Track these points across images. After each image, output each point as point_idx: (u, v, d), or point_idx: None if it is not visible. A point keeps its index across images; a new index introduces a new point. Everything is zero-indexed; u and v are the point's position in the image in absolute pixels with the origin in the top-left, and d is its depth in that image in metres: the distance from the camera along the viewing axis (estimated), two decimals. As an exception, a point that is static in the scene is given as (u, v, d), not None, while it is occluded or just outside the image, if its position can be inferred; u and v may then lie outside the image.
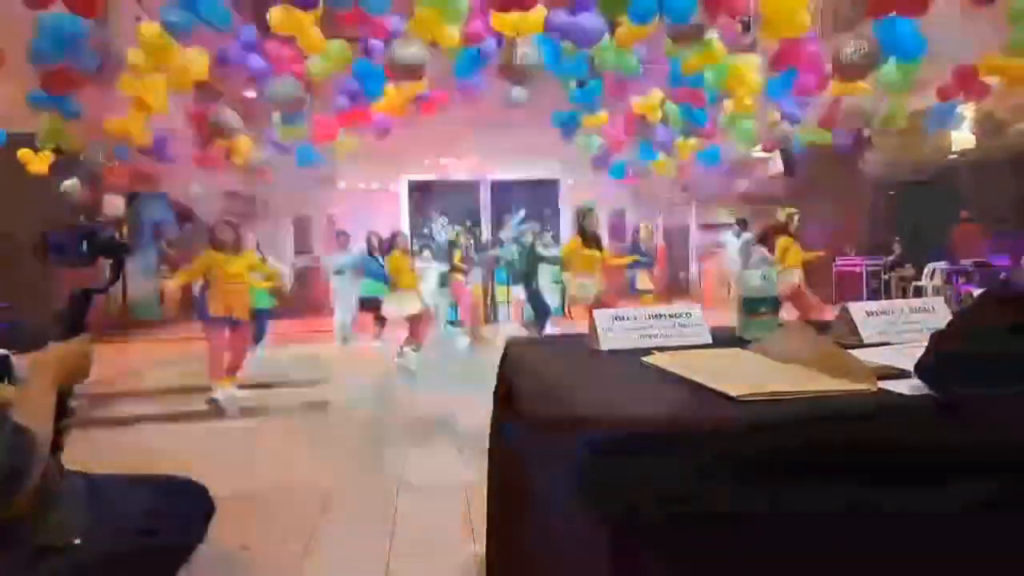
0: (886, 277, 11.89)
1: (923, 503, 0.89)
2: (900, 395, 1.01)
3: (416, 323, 6.84)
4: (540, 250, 8.18)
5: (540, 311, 7.75)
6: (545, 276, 8.48)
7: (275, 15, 5.31)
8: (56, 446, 1.20)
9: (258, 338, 7.43)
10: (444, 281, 8.91)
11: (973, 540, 0.89)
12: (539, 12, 5.06)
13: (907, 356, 1.09)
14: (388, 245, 7.31)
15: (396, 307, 6.96)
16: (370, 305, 8.14)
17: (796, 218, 6.67)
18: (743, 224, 10.70)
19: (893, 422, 0.94)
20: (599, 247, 6.40)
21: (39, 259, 1.30)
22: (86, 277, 1.40)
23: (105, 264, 1.36)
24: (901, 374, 1.09)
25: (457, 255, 8.71)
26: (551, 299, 8.81)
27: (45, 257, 1.29)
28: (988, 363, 0.92)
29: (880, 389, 1.03)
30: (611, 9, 4.93)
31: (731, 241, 11.05)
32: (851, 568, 0.89)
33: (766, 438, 0.92)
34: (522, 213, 10.85)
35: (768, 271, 1.62)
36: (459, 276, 8.62)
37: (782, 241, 6.53)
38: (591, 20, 5.08)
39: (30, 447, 1.05)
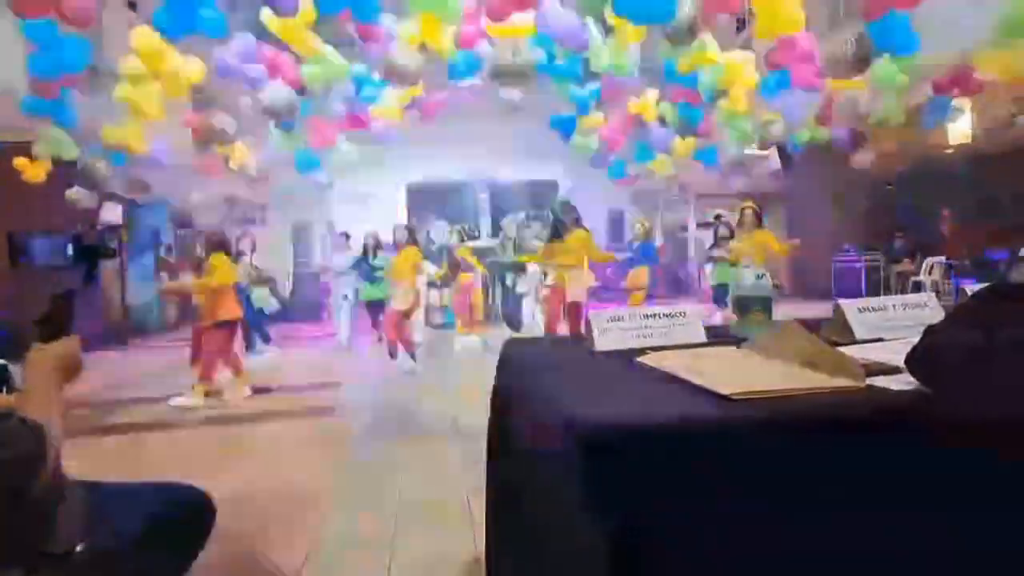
0: (884, 272, 11.91)
1: (915, 497, 0.90)
2: (889, 391, 1.02)
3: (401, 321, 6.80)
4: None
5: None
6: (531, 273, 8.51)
7: (272, 20, 5.33)
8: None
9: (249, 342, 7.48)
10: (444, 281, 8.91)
11: (963, 531, 0.90)
12: (531, 15, 5.08)
13: (898, 352, 1.10)
14: (395, 243, 7.27)
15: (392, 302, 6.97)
16: (371, 309, 8.15)
17: (746, 212, 6.26)
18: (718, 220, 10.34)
19: (882, 417, 0.95)
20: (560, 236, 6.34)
21: (11, 262, 1.31)
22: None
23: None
24: (891, 370, 1.10)
25: (463, 251, 8.59)
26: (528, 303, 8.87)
27: (16, 260, 1.30)
28: (975, 356, 0.93)
29: (869, 385, 1.05)
30: (590, 4, 4.93)
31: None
32: (846, 563, 0.90)
33: (758, 436, 0.93)
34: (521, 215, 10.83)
35: (760, 271, 1.63)
36: (466, 276, 8.56)
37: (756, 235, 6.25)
38: (577, 24, 5.10)
39: (40, 435, 1.06)
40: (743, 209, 6.15)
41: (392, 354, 6.73)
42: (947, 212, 11.09)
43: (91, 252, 1.35)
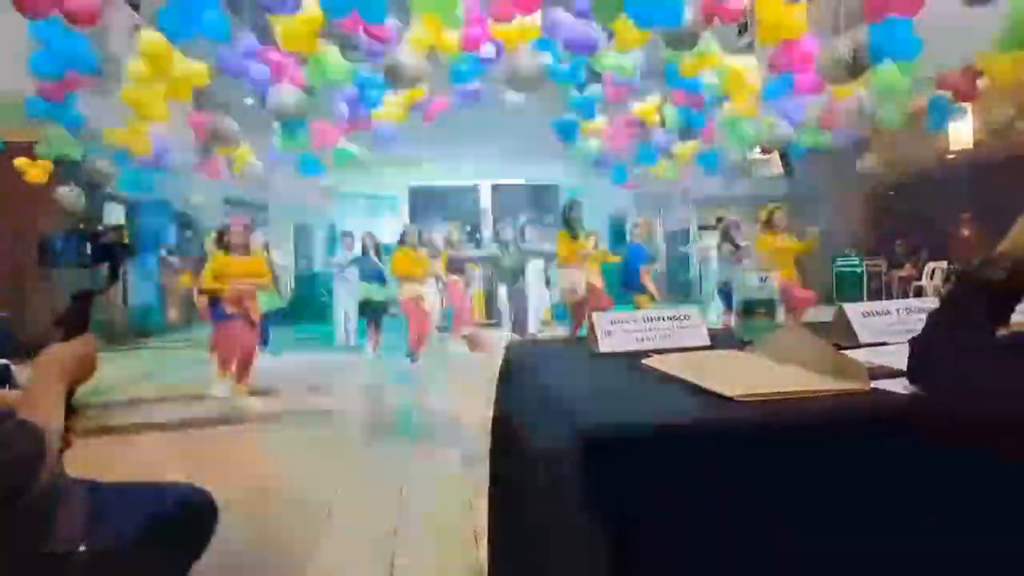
0: (886, 277, 11.91)
1: (919, 501, 0.90)
2: (893, 394, 1.02)
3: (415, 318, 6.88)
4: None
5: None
6: (534, 274, 8.49)
7: (280, 27, 5.33)
8: (63, 444, 1.19)
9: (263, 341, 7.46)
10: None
11: (967, 535, 0.89)
12: (537, 18, 5.08)
13: (902, 356, 1.10)
14: (400, 244, 7.30)
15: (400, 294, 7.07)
16: (368, 309, 8.15)
17: (776, 214, 6.53)
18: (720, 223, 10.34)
19: (885, 420, 0.95)
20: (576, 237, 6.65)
21: (39, 263, 1.31)
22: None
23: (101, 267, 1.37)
24: (896, 374, 1.10)
25: (443, 255, 8.68)
26: (540, 300, 8.88)
27: (44, 261, 1.30)
28: (961, 354, 0.94)
29: (874, 388, 1.04)
30: (605, 12, 4.93)
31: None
32: (850, 567, 0.90)
33: (762, 438, 0.93)
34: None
35: (764, 273, 1.63)
36: (454, 277, 8.62)
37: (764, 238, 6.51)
38: (588, 28, 5.10)
39: (40, 436, 1.05)
40: (773, 210, 6.41)
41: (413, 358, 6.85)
42: (967, 215, 10.98)
43: (112, 251, 1.35)
